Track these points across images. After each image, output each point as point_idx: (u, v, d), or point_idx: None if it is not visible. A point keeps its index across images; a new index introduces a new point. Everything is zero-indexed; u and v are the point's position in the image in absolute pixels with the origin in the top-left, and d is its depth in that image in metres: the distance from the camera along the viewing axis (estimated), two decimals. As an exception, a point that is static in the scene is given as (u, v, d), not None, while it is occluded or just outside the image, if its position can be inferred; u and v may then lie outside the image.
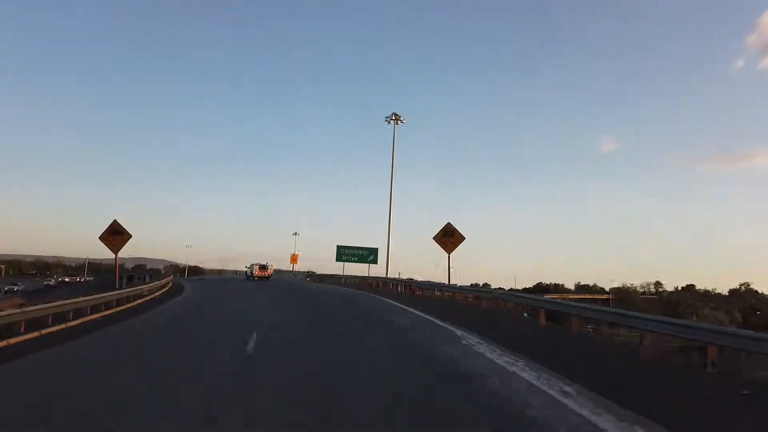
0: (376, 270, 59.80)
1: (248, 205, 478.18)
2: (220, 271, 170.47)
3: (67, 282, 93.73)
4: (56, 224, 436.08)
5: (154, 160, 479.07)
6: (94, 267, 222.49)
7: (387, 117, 57.77)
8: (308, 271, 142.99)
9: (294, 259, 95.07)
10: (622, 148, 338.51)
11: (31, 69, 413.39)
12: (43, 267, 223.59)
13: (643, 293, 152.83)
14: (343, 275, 61.39)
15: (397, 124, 58.19)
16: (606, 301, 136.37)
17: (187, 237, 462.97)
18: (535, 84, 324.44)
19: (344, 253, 59.89)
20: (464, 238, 36.93)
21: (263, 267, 69.22)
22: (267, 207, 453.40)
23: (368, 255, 59.85)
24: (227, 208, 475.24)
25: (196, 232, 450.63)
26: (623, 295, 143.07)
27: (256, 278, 66.73)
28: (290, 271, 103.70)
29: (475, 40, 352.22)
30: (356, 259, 59.86)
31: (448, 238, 36.31)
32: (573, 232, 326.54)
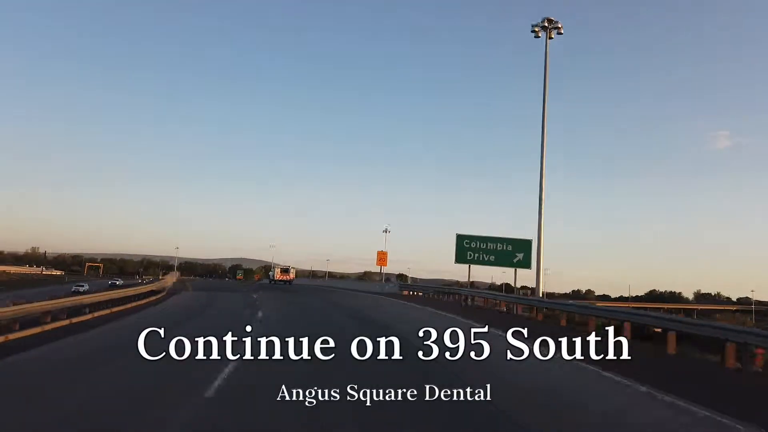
0: (524, 278, 33.40)
1: (341, 202, 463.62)
2: (311, 273, 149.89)
3: (117, 284, 75.76)
4: (164, 226, 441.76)
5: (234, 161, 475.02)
6: (190, 266, 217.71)
7: (534, 25, 31.89)
8: (398, 275, 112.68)
9: (382, 258, 66.29)
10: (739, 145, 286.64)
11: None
12: (147, 266, 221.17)
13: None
14: (468, 286, 34.91)
15: (551, 37, 32.24)
16: (743, 315, 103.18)
17: (277, 237, 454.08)
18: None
19: (470, 249, 33.34)
20: None
21: (285, 270, 68.82)
22: (360, 204, 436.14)
23: (513, 252, 33.02)
24: (318, 207, 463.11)
25: (297, 233, 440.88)
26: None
27: (276, 281, 62.96)
28: (378, 274, 76.65)
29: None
30: (491, 259, 33.20)
31: None
32: (691, 236, 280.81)
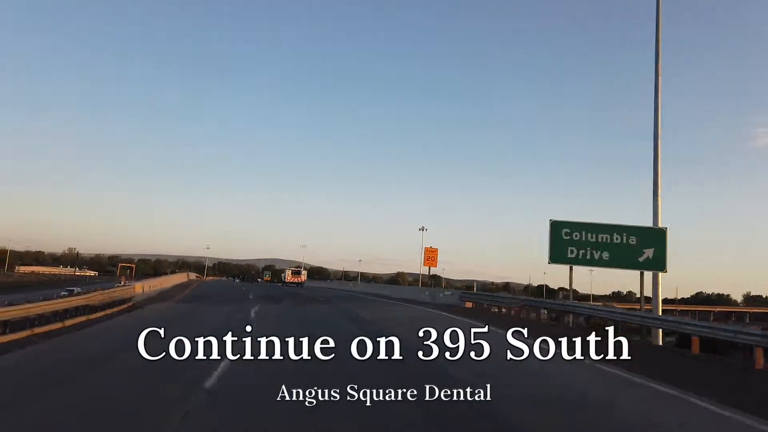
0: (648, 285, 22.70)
1: (372, 202, 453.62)
2: (343, 274, 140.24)
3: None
4: (199, 227, 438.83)
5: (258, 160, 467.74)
6: (223, 266, 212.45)
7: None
8: (432, 276, 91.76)
9: (430, 257, 51.22)
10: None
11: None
12: (182, 266, 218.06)
13: None
14: (570, 296, 24.07)
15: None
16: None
17: (310, 238, 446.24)
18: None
19: (572, 242, 22.09)
20: None
21: (296, 272, 65.07)
22: (391, 203, 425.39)
23: (638, 247, 21.75)
24: (351, 207, 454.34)
25: (329, 233, 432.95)
26: None
27: (288, 284, 57.71)
28: (426, 278, 62.27)
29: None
30: (605, 257, 21.92)
31: None
32: (737, 236, 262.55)
